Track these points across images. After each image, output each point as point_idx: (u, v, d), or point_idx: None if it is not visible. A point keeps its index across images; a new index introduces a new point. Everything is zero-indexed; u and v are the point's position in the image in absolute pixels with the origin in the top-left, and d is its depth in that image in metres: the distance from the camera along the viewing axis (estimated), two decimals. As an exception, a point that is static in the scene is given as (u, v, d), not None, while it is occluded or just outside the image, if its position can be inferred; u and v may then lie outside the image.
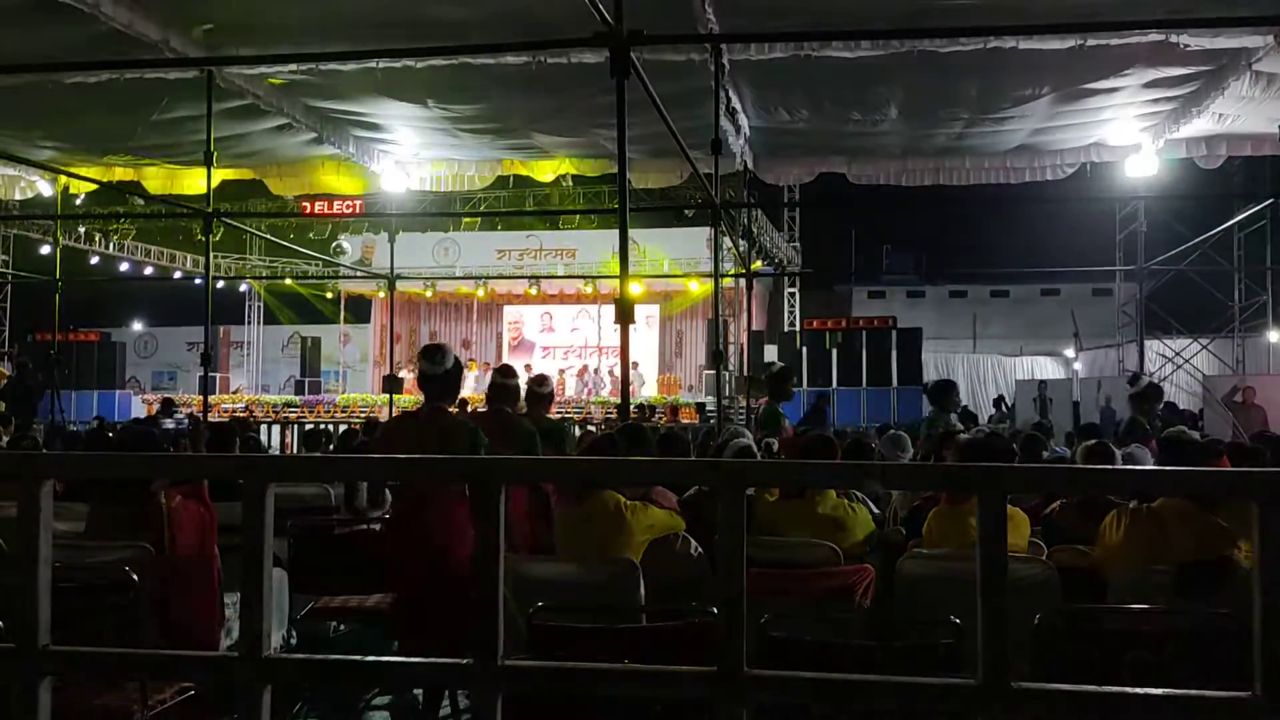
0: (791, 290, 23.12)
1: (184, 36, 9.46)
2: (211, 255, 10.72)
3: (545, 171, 14.95)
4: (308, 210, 17.20)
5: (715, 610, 1.48)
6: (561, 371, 21.93)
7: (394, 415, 9.34)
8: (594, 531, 3.96)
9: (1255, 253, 19.36)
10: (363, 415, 18.48)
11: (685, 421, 16.95)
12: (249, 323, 26.78)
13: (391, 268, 14.71)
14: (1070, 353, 24.89)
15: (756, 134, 13.02)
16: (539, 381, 5.98)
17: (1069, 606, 3.44)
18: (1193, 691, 1.36)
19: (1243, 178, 17.68)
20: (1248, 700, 1.33)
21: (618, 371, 21.03)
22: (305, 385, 22.62)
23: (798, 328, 20.87)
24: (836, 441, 5.12)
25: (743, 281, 14.67)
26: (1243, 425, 13.85)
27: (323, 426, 14.89)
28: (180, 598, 3.94)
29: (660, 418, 17.33)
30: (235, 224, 15.48)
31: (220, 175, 13.71)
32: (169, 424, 14.12)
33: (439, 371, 4.42)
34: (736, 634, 1.43)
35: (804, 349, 17.99)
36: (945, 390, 8.45)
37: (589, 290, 21.82)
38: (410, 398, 20.24)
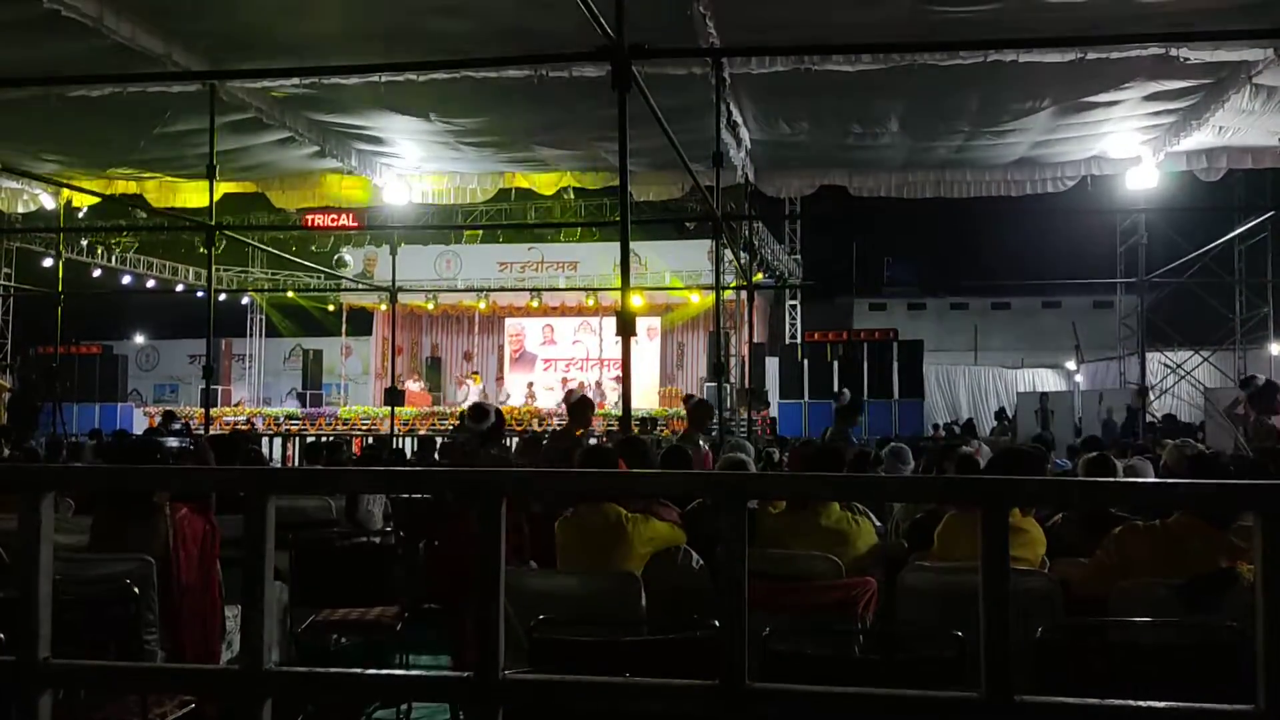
0: (793, 302, 23.13)
1: (187, 50, 9.50)
2: (214, 268, 10.74)
3: (547, 184, 14.96)
4: (310, 223, 17.23)
5: (717, 623, 1.48)
6: (530, 385, 22.35)
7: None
8: (595, 544, 3.96)
9: (1256, 265, 19.36)
10: (364, 428, 18.48)
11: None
12: (251, 335, 26.81)
13: (393, 280, 14.73)
14: (1071, 365, 24.87)
15: (757, 147, 13.04)
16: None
17: (1072, 620, 3.42)
18: (1195, 704, 1.36)
19: (1243, 190, 17.70)
20: (1251, 713, 1.32)
21: (605, 387, 21.17)
22: (307, 398, 22.62)
23: (799, 340, 20.87)
24: (842, 453, 5.12)
25: (744, 294, 14.71)
26: (1244, 438, 13.83)
27: (324, 439, 14.87)
28: (182, 610, 3.94)
29: (662, 430, 17.29)
30: (237, 237, 15.52)
31: (223, 188, 13.74)
32: (173, 442, 14.10)
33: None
34: (738, 647, 1.42)
35: (805, 361, 17.98)
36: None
37: (590, 303, 21.85)
38: (413, 410, 20.24)
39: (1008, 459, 4.39)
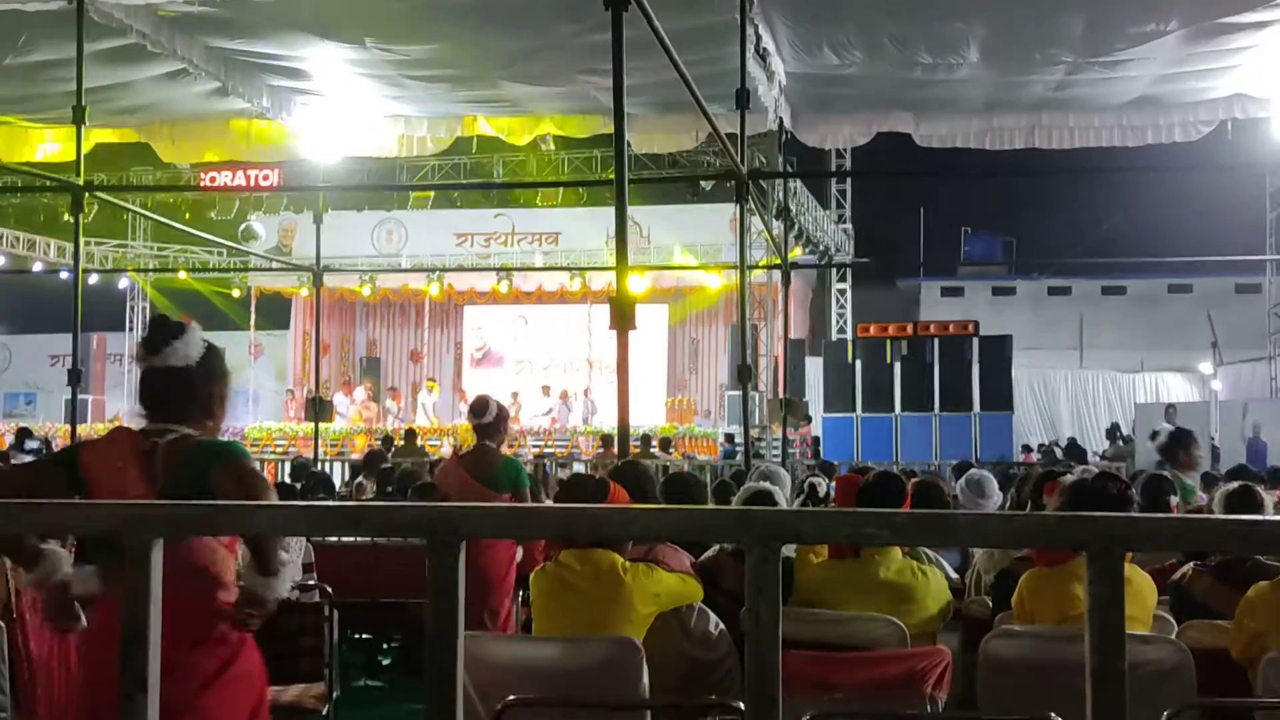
0: (841, 286, 23.19)
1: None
2: (82, 241, 10.75)
3: (519, 132, 14.99)
4: (208, 183, 17.25)
5: (742, 706, 1.48)
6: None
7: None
8: (583, 601, 3.96)
9: None
10: (280, 450, 18.49)
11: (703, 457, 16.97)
12: (131, 329, 26.82)
13: (318, 257, 14.73)
14: (1207, 367, 24.89)
15: (795, 82, 13.06)
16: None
17: (1207, 699, 3.42)
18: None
19: None
20: None
21: (594, 396, 21.18)
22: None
23: (849, 335, 20.88)
24: (904, 482, 5.12)
25: (777, 275, 14.72)
26: None
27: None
28: (35, 683, 3.95)
29: (673, 453, 17.30)
30: (114, 201, 15.51)
31: (94, 137, 13.75)
32: (27, 458, 14.09)
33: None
34: (770, 736, 1.43)
35: (857, 363, 17.93)
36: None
37: (576, 286, 21.84)
38: (344, 428, 20.23)
39: (1075, 495, 4.31)
